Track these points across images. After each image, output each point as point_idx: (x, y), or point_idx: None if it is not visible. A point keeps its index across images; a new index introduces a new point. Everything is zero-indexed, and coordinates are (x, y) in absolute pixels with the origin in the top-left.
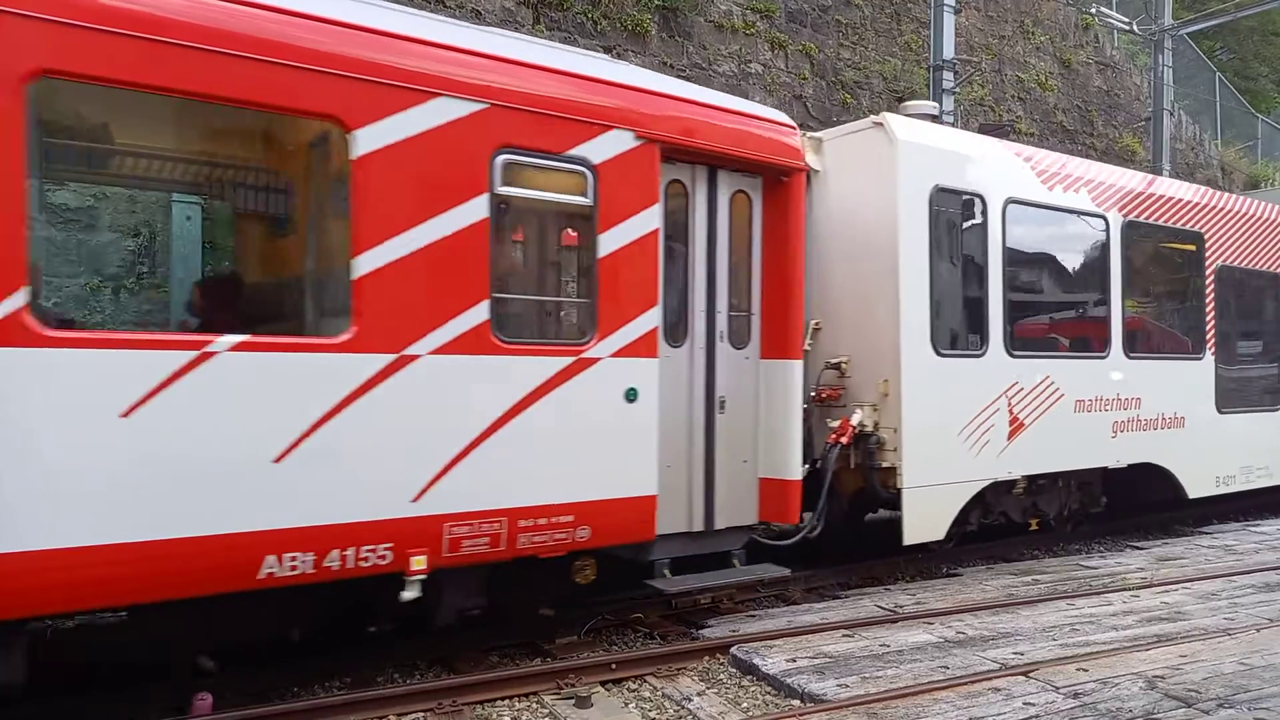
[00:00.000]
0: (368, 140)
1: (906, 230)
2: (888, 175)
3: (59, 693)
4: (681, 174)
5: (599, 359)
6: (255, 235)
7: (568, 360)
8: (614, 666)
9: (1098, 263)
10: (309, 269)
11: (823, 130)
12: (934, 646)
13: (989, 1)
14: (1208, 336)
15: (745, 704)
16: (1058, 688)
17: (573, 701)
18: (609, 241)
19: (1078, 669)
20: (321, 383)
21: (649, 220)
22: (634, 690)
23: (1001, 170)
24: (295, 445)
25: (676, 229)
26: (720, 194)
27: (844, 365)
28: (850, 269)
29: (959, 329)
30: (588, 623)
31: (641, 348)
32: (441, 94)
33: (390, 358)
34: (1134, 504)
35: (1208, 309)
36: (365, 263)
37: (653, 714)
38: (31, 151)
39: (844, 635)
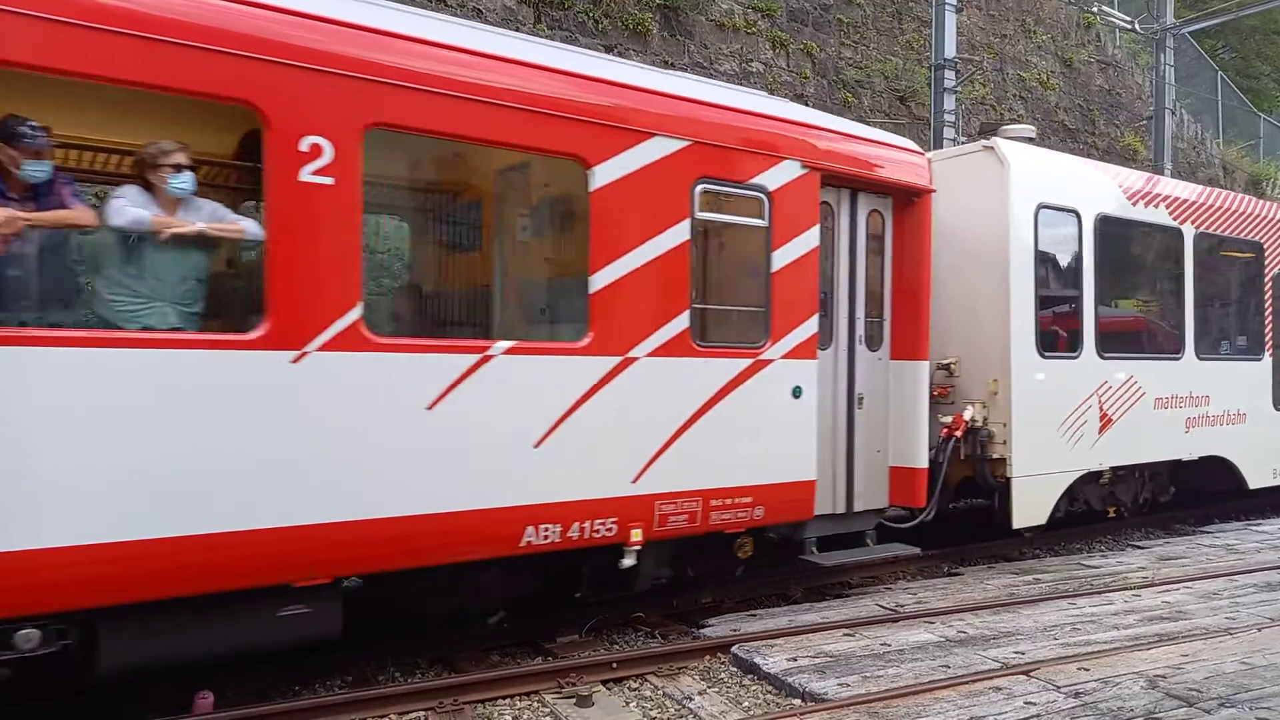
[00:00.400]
0: (603, 175)
1: (1016, 245)
2: (999, 195)
3: (59, 692)
4: (829, 196)
5: (772, 360)
6: (513, 255)
7: (748, 362)
8: (615, 665)
9: (1174, 272)
10: (556, 284)
11: (930, 151)
12: (935, 646)
13: (990, 0)
14: (1266, 339)
15: (746, 703)
16: (1059, 687)
17: (574, 701)
18: (780, 258)
19: (1079, 668)
20: (568, 380)
21: (811, 239)
22: (635, 689)
23: (1094, 188)
24: (550, 432)
25: (824, 245)
26: (859, 213)
27: (953, 366)
28: (958, 279)
29: (1057, 333)
30: (588, 622)
31: (804, 351)
32: (657, 134)
33: (617, 360)
34: (1196, 494)
35: (1267, 314)
36: (599, 280)
37: (654, 713)
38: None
39: (845, 634)
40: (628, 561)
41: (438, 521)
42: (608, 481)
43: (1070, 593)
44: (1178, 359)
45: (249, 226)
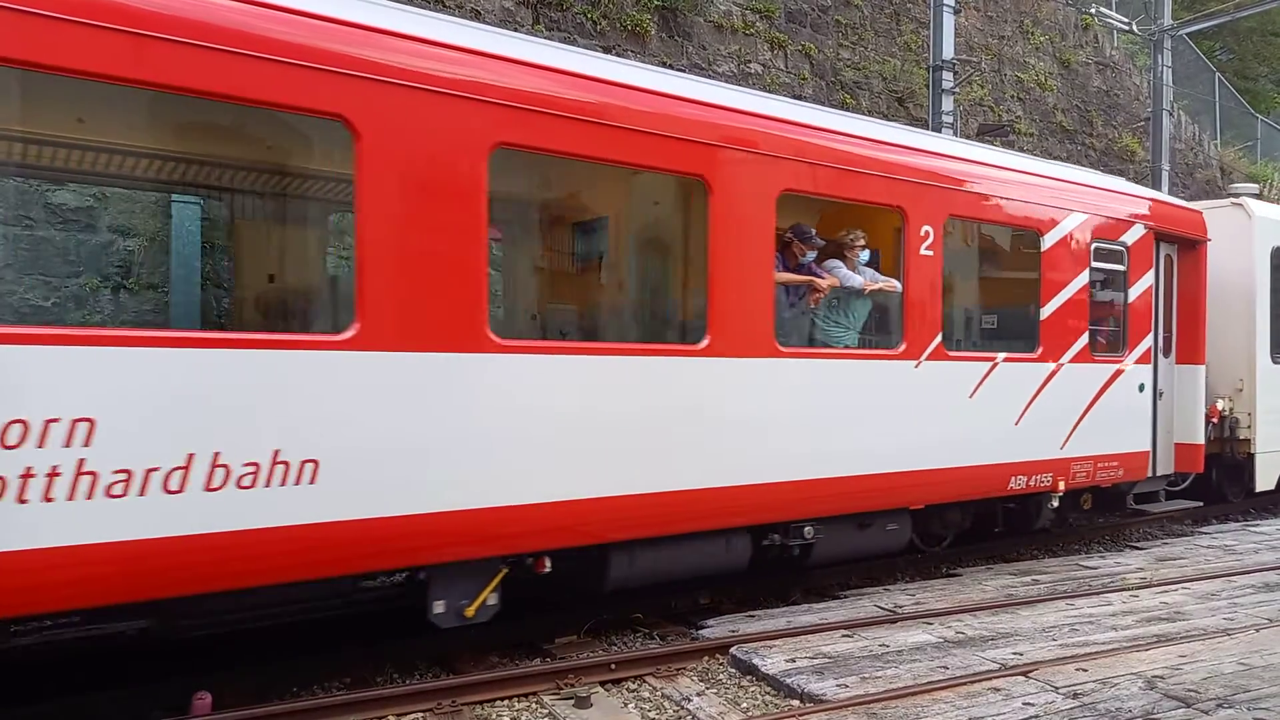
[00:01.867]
0: (1048, 240)
1: (1258, 279)
2: (1245, 241)
3: (59, 692)
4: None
5: (1126, 365)
6: (1007, 293)
7: (1116, 366)
8: (613, 666)
9: None
10: (1021, 314)
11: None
12: (933, 646)
13: (988, 2)
14: None
15: (745, 704)
16: (1057, 688)
17: (572, 701)
18: (1132, 293)
19: (1077, 669)
20: (1032, 379)
21: (1149, 278)
22: (633, 690)
23: None
24: (1023, 413)
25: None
26: (1160, 256)
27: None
28: (1211, 302)
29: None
30: (587, 622)
31: (1144, 358)
32: (1074, 210)
33: (1054, 365)
34: None
35: None
36: (1045, 311)
37: (652, 714)
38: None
39: (843, 635)
40: (1054, 504)
41: (970, 470)
42: (1049, 447)
43: (1068, 593)
44: None
45: (898, 284)
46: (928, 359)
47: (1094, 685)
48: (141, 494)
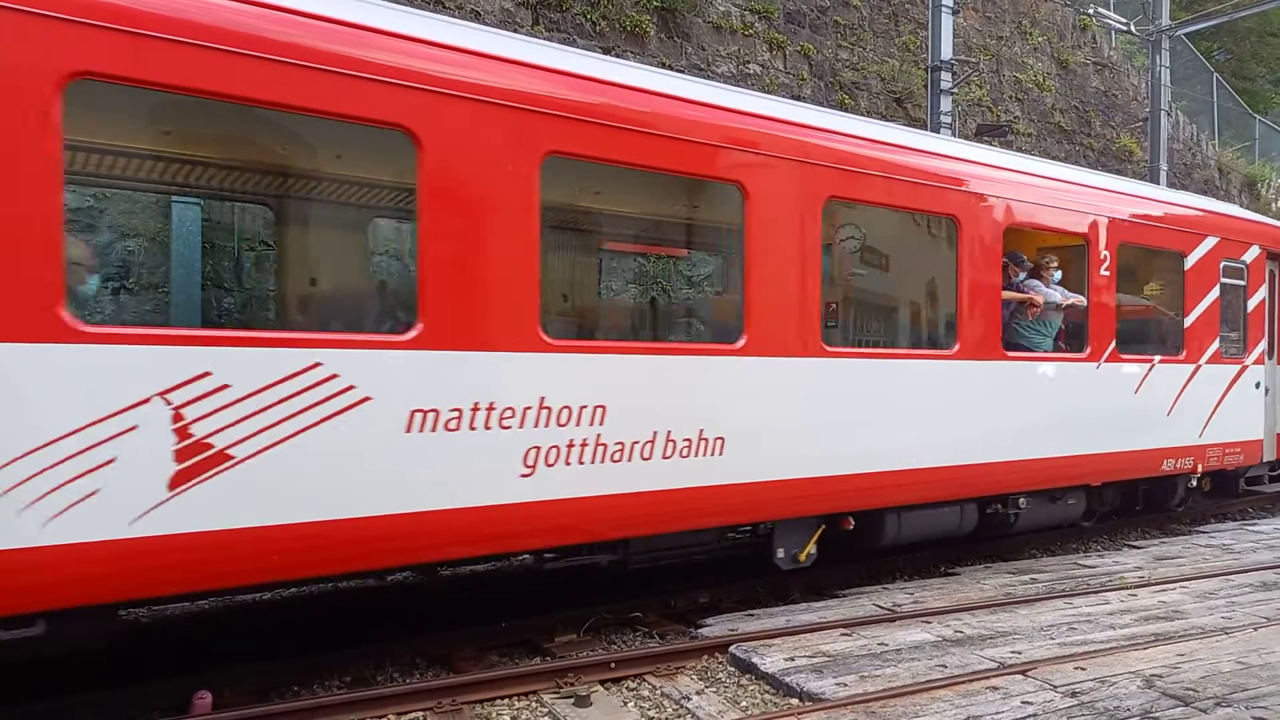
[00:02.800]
0: (1190, 261)
1: None
2: None
3: (59, 692)
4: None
5: (1247, 365)
6: (1161, 304)
7: (1239, 366)
8: (613, 665)
9: None
10: (1170, 323)
11: None
12: (932, 645)
13: (987, 2)
14: None
15: (744, 703)
16: (1055, 686)
17: (572, 700)
18: (1250, 304)
19: (1075, 668)
20: (1179, 377)
21: (1262, 292)
22: (633, 689)
23: None
24: (1172, 406)
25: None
26: (1268, 272)
27: None
28: None
29: None
30: (587, 621)
31: (1259, 360)
32: (1209, 235)
33: (1194, 365)
34: None
35: None
36: (1188, 320)
37: (652, 713)
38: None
39: (842, 634)
40: (1194, 483)
41: (1135, 454)
42: (1191, 435)
43: (1067, 592)
44: None
45: (1083, 299)
46: (1106, 361)
47: (1092, 684)
48: (629, 460)
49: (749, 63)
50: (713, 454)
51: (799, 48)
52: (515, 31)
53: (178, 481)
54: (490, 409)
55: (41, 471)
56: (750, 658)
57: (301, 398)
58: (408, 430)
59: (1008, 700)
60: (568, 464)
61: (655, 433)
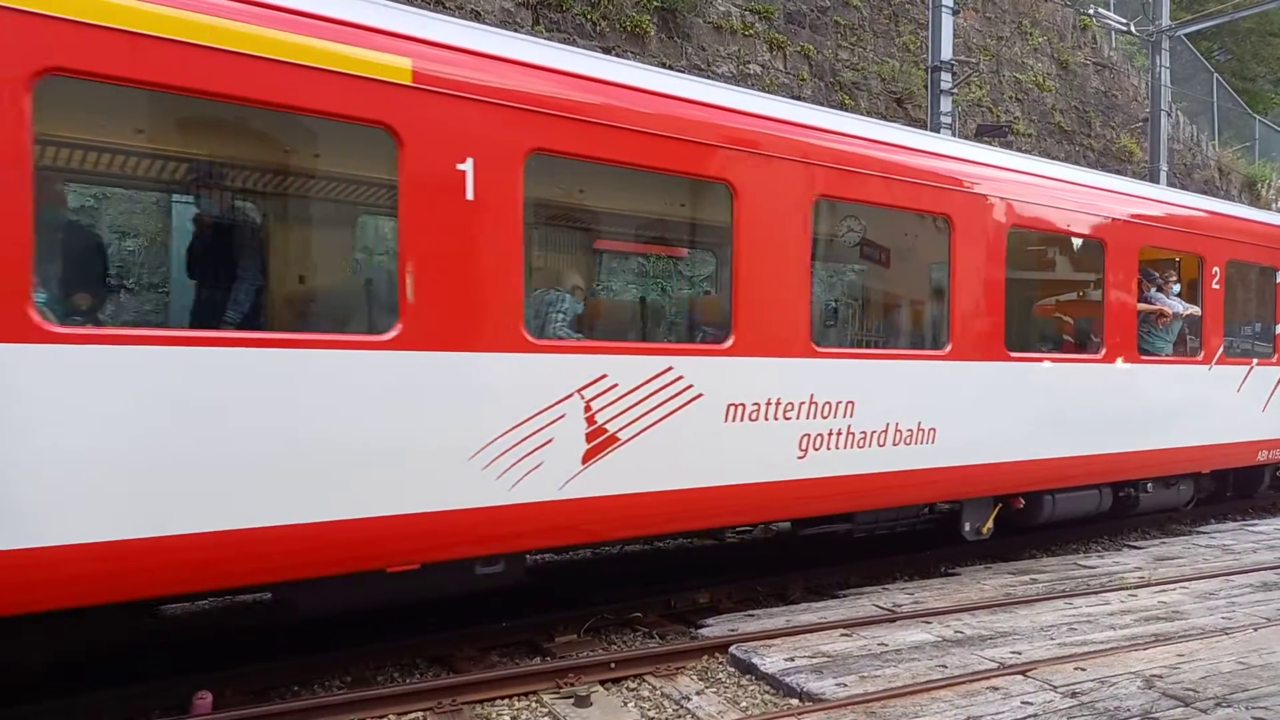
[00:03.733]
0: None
1: None
2: None
3: (58, 692)
4: None
5: None
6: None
7: None
8: (613, 665)
9: None
10: (1266, 330)
11: None
12: (932, 645)
13: (987, 3)
14: None
15: (744, 703)
16: (1055, 687)
17: (572, 701)
18: None
19: (1075, 668)
20: (1271, 377)
21: None
22: (633, 689)
23: None
24: (1266, 403)
25: None
26: None
27: None
28: None
29: None
30: (587, 621)
31: None
32: None
33: (1247, 368)
34: None
35: None
36: (1279, 327)
37: (651, 713)
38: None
39: (842, 634)
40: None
41: (1236, 445)
42: (1257, 431)
43: (1067, 593)
44: None
45: (1198, 309)
46: (1216, 363)
47: (1092, 684)
48: (869, 446)
49: (749, 63)
50: (927, 442)
51: (799, 48)
52: (515, 31)
53: (587, 457)
54: (778, 403)
55: (510, 448)
56: (750, 658)
57: (660, 394)
58: (725, 420)
59: (1008, 700)
60: (828, 449)
61: (888, 424)
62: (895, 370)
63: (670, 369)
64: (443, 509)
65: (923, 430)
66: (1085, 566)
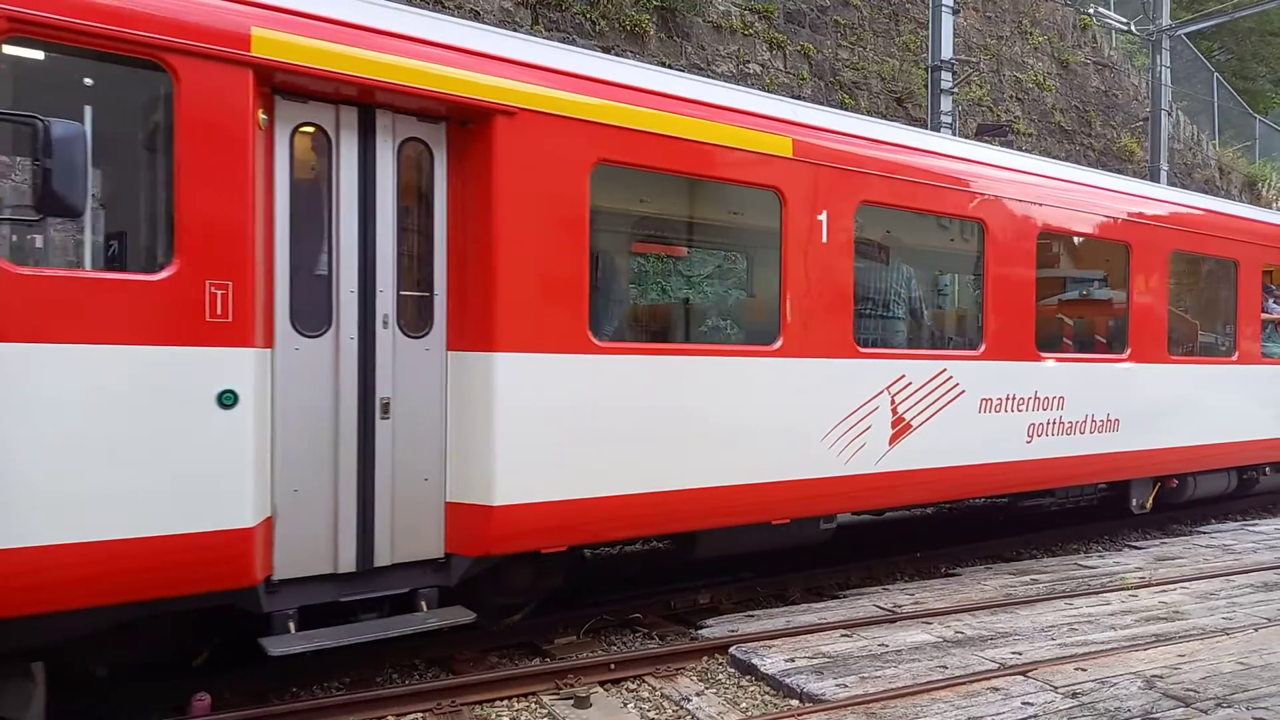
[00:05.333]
0: None
1: None
2: None
3: (57, 694)
4: None
5: None
6: None
7: None
8: (613, 666)
9: None
10: None
11: None
12: (932, 646)
13: (987, 2)
14: None
15: (744, 704)
16: (1056, 687)
17: (571, 702)
18: None
19: (1076, 668)
20: None
21: None
22: (633, 690)
23: None
24: None
25: None
26: None
27: None
28: None
29: None
30: (586, 622)
31: None
32: None
33: None
34: None
35: None
36: None
37: (651, 714)
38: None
39: (843, 635)
40: None
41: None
42: None
43: (1067, 593)
44: None
45: None
46: None
47: (1093, 685)
48: (1074, 434)
49: (749, 62)
50: (1112, 430)
51: (799, 47)
52: (515, 31)
53: (892, 440)
54: (1012, 398)
55: (846, 432)
56: (750, 659)
57: (938, 390)
58: (979, 411)
59: (1008, 701)
60: (1046, 436)
61: (1087, 415)
62: (1092, 371)
63: (944, 370)
64: (809, 477)
65: (1110, 420)
66: (1086, 567)
